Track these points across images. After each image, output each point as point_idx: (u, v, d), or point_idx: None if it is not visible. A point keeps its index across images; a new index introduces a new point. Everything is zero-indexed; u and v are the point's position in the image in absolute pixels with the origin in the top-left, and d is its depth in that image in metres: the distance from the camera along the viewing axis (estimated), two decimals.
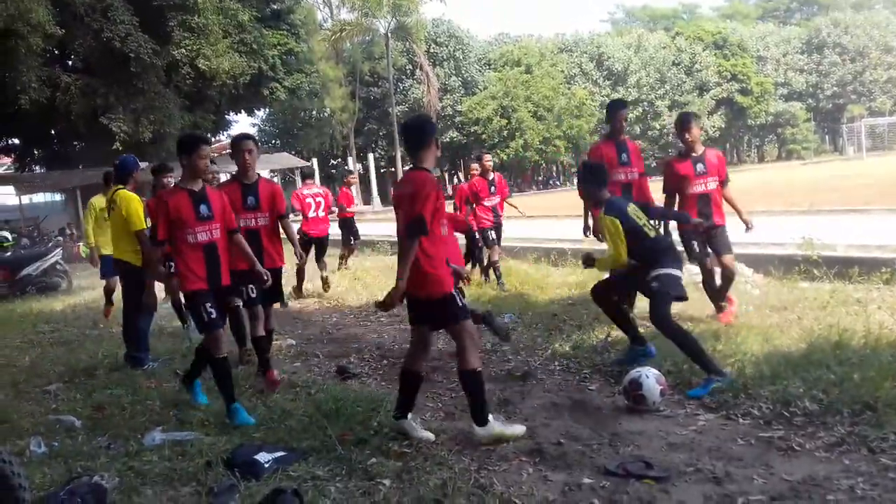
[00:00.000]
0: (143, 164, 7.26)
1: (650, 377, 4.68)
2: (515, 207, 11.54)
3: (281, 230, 6.25)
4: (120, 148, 24.24)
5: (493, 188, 10.19)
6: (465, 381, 4.31)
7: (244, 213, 5.83)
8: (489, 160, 10.49)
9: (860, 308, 6.29)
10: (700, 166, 6.59)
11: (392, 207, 4.64)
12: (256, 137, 6.38)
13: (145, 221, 6.67)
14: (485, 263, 10.57)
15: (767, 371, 4.86)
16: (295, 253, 6.84)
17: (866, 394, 4.23)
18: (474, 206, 10.16)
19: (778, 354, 5.21)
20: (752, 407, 4.46)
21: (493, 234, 10.13)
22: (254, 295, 5.81)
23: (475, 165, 10.64)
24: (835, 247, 8.56)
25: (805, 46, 63.66)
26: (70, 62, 27.57)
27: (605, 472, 3.73)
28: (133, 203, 6.74)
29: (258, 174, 6.08)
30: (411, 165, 4.46)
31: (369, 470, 3.89)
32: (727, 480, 3.54)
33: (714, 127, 59.74)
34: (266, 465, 3.92)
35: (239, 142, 5.96)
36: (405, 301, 4.37)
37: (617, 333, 6.44)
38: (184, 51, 24.64)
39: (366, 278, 11.99)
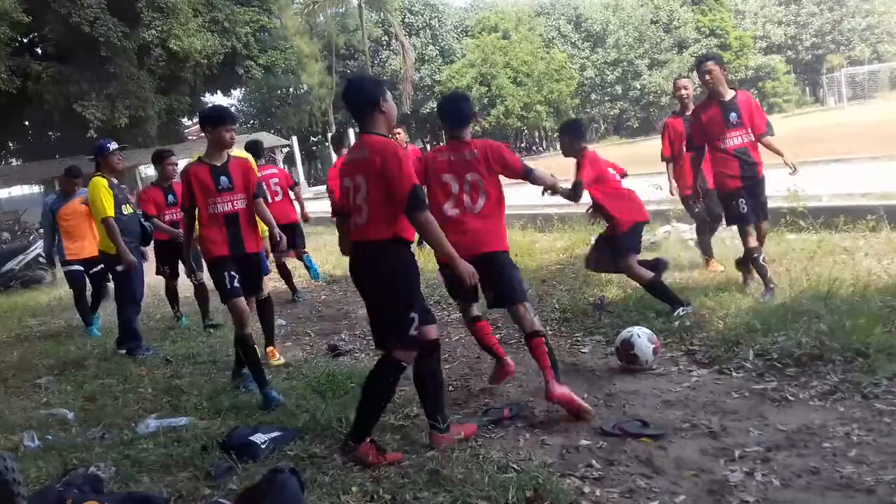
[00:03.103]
0: (112, 146, 6.68)
1: (642, 336, 4.68)
2: (781, 156, 5.82)
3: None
4: (95, 135, 23.92)
5: (732, 116, 5.70)
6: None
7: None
8: (714, 66, 5.72)
9: (847, 256, 6.32)
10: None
11: None
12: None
13: (116, 208, 6.48)
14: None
15: (758, 324, 4.86)
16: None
17: (857, 341, 4.25)
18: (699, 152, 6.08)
19: (768, 306, 5.22)
20: (745, 360, 4.47)
21: (744, 204, 5.65)
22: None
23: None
24: (820, 197, 8.58)
25: None
26: (40, 50, 27.08)
27: (601, 433, 3.74)
28: (95, 190, 6.46)
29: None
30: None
31: None
32: (723, 434, 3.56)
33: (695, 84, 59.49)
34: (262, 446, 3.90)
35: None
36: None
37: (611, 294, 6.45)
38: (154, 32, 24.26)
39: None
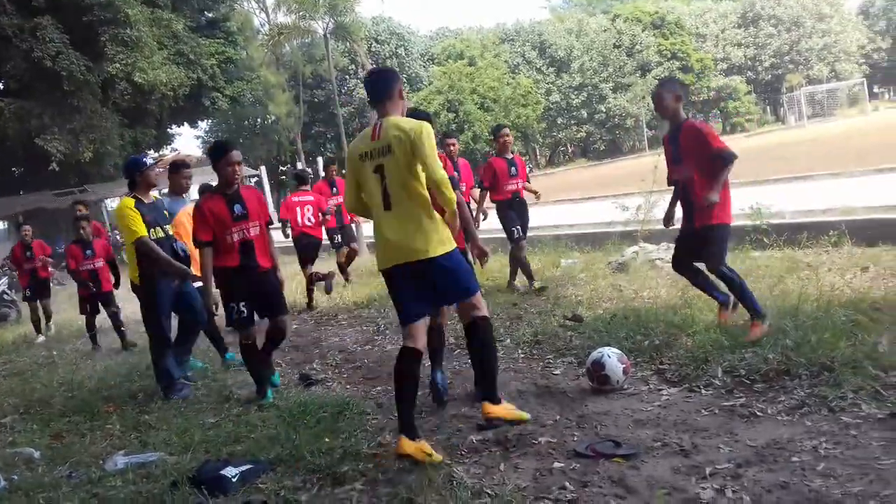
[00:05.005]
0: (148, 160, 6.19)
1: (612, 357, 4.71)
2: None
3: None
4: (57, 169, 23.60)
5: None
6: None
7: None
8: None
9: (811, 272, 6.43)
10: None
11: None
12: (202, 149, 6.06)
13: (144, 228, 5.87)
14: None
15: (726, 341, 4.92)
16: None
17: (823, 355, 4.32)
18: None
19: (735, 324, 5.29)
20: (713, 377, 4.52)
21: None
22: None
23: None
24: (783, 214, 8.74)
25: (741, 20, 64.71)
26: (1, 86, 26.76)
27: (574, 455, 3.74)
28: (120, 212, 5.95)
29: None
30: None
31: (339, 475, 3.83)
32: (694, 452, 3.58)
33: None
34: (233, 480, 3.85)
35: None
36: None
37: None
38: (118, 65, 24.01)
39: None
